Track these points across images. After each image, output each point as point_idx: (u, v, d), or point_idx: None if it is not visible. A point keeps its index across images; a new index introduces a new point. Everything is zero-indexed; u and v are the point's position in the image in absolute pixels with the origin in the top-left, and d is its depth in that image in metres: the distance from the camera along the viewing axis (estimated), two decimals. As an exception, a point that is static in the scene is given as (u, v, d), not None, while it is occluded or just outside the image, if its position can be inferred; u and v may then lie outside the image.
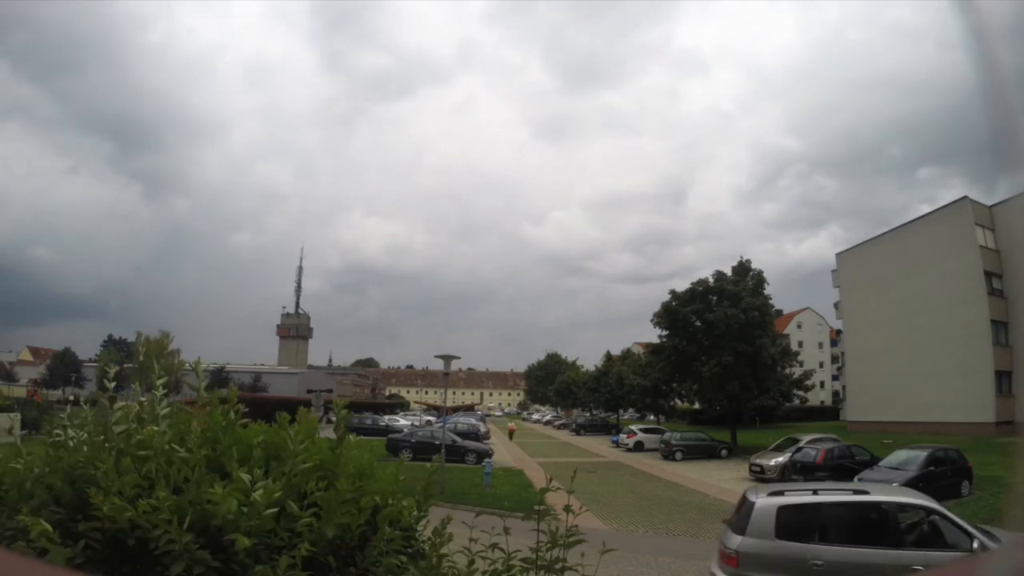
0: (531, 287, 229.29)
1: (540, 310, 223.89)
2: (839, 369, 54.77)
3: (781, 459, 20.69)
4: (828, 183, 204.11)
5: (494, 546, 1.98)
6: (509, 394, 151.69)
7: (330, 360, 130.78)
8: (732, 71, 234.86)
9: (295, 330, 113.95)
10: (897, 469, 16.04)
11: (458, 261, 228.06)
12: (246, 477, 1.64)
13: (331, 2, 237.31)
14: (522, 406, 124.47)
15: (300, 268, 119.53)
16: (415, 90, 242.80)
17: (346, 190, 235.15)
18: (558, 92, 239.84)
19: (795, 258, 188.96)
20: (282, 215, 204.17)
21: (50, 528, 1.45)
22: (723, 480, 21.43)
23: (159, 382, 2.03)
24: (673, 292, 31.87)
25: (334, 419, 2.06)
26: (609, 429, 46.50)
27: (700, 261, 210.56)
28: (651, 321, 32.37)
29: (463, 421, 38.61)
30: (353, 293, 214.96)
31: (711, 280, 31.30)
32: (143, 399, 2.05)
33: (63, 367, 69.80)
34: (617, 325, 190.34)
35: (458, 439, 26.07)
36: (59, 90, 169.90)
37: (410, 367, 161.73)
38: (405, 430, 29.93)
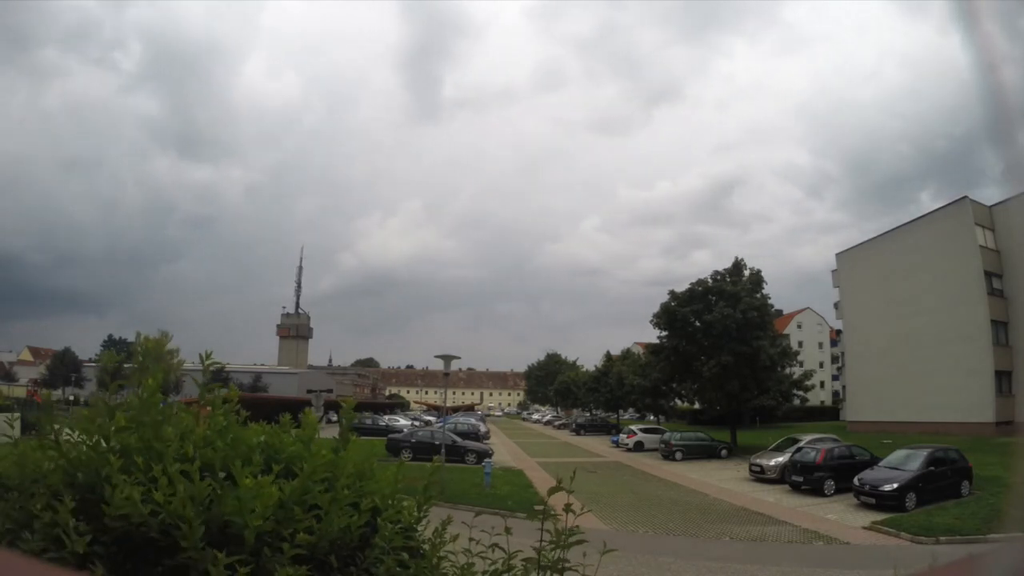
0: (546, 289, 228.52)
1: (546, 310, 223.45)
2: (839, 369, 54.79)
3: (781, 459, 20.70)
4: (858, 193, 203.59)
5: (494, 546, 1.98)
6: (509, 394, 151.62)
7: (330, 360, 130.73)
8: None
9: (295, 330, 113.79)
10: (897, 469, 16.06)
11: (480, 266, 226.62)
12: (249, 476, 1.65)
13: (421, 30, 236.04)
14: (522, 406, 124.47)
15: (300, 268, 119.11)
16: (484, 105, 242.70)
17: (376, 195, 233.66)
18: (611, 101, 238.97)
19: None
20: (308, 224, 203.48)
21: (70, 520, 1.46)
22: (723, 480, 21.45)
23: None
24: (672, 292, 31.91)
25: (334, 418, 2.07)
26: (609, 429, 46.49)
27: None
28: (650, 322, 32.45)
29: (463, 421, 38.63)
30: (363, 295, 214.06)
31: (710, 280, 31.33)
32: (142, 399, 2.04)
33: (63, 367, 69.81)
34: (624, 325, 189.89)
35: (458, 439, 26.08)
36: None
37: (410, 367, 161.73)
38: (405, 430, 29.96)
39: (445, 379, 18.29)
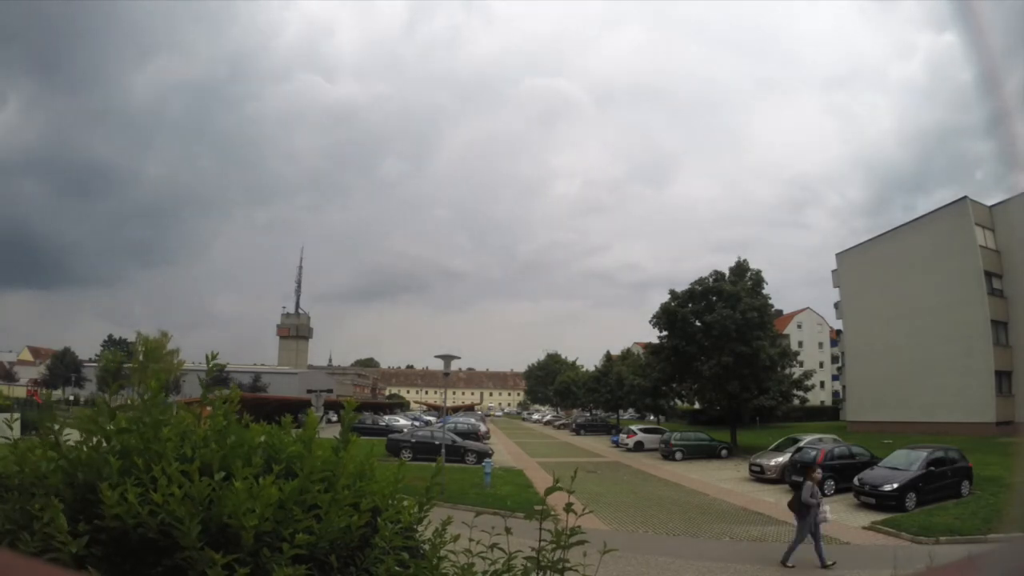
0: (548, 288, 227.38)
1: (549, 309, 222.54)
2: (839, 369, 54.72)
3: (781, 459, 20.69)
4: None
5: (494, 546, 1.98)
6: (509, 394, 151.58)
7: (330, 360, 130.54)
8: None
9: (295, 330, 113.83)
10: (897, 469, 16.04)
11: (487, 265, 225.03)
12: (250, 474, 1.65)
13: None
14: (522, 406, 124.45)
15: (300, 268, 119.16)
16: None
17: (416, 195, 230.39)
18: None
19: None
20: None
21: (64, 521, 1.46)
22: (723, 480, 21.44)
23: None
24: (672, 292, 31.90)
25: (334, 418, 2.07)
26: (609, 429, 46.48)
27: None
28: (650, 322, 32.44)
29: (463, 421, 38.60)
30: (369, 296, 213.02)
31: (710, 281, 31.33)
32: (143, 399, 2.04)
33: (63, 367, 69.80)
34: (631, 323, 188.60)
35: (458, 439, 26.06)
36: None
37: (410, 367, 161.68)
38: (405, 430, 29.95)
39: (445, 379, 18.29)
